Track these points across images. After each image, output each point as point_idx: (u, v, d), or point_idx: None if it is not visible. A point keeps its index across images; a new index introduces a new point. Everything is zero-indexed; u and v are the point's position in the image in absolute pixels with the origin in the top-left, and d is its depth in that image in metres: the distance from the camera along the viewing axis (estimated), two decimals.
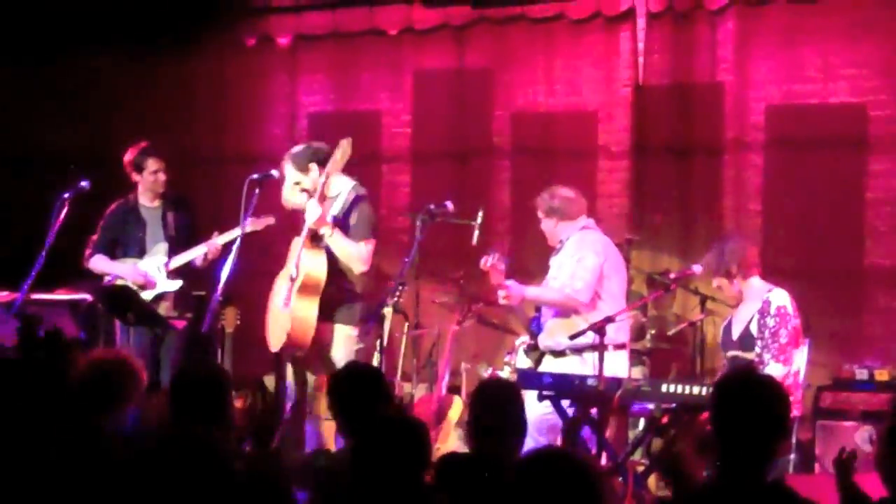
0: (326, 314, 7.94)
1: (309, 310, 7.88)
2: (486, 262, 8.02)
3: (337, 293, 7.99)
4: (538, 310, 8.23)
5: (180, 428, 5.13)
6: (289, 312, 7.90)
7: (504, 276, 8.01)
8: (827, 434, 8.52)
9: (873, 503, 4.98)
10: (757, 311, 7.78)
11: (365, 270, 8.02)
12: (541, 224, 8.22)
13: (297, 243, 7.97)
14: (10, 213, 11.51)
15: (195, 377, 5.60)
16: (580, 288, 7.87)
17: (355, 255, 7.97)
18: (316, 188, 8.00)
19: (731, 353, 7.86)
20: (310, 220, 7.87)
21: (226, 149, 11.76)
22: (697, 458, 6.90)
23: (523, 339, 8.48)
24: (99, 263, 9.11)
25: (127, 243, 9.12)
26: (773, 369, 7.56)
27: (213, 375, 5.65)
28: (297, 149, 8.28)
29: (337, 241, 7.94)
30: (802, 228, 9.84)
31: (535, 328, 8.21)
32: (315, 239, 7.95)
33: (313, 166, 8.09)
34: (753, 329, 7.77)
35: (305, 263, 7.93)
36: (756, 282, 7.90)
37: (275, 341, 8.05)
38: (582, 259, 7.95)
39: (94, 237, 9.17)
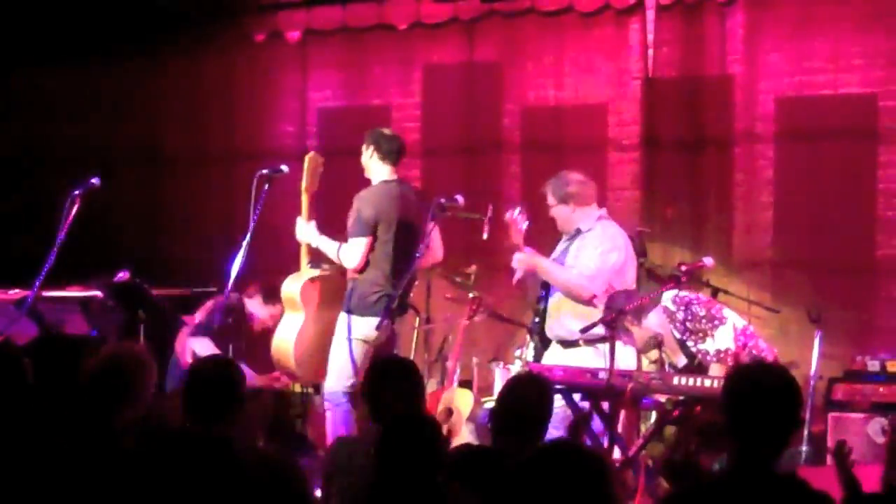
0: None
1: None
2: (511, 214, 7.94)
3: (343, 281, 8.22)
4: (545, 287, 8.10)
5: (194, 424, 5.14)
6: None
7: (522, 238, 7.93)
8: (839, 426, 8.50)
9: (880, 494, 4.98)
10: (669, 323, 7.79)
11: (356, 266, 8.14)
12: (551, 210, 8.07)
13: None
14: (21, 210, 11.53)
15: (209, 373, 5.61)
16: (593, 275, 7.76)
17: (337, 256, 8.24)
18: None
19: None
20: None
21: (236, 145, 11.77)
22: (704, 451, 6.92)
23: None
24: None
25: None
26: (720, 337, 7.61)
27: (227, 371, 5.65)
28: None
29: (322, 247, 8.30)
30: (813, 220, 9.81)
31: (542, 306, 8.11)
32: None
33: None
34: (677, 334, 7.79)
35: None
36: (653, 316, 7.86)
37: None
38: (606, 253, 7.84)
39: None
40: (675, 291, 7.88)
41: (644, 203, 10.24)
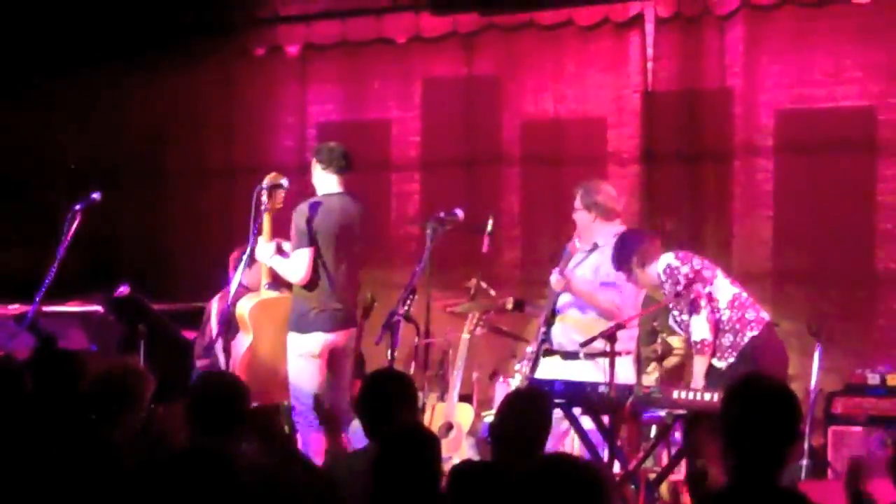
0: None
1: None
2: (572, 245, 7.99)
3: (293, 302, 8.27)
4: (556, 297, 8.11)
5: (198, 437, 5.17)
6: None
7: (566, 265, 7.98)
8: (839, 440, 8.49)
9: None
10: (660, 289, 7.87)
11: (302, 279, 8.14)
12: (574, 213, 8.10)
13: None
14: (21, 225, 11.54)
15: (214, 387, 5.66)
16: (620, 293, 7.84)
17: (283, 271, 8.25)
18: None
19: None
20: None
21: (235, 159, 11.77)
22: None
23: (532, 350, 8.36)
24: None
25: None
26: (696, 324, 7.61)
27: (233, 386, 5.71)
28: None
29: (275, 266, 8.27)
30: (813, 233, 9.81)
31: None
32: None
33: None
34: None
35: None
36: (651, 268, 7.90)
37: None
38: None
39: None
40: (670, 257, 7.89)
41: (643, 216, 10.23)
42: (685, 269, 7.76)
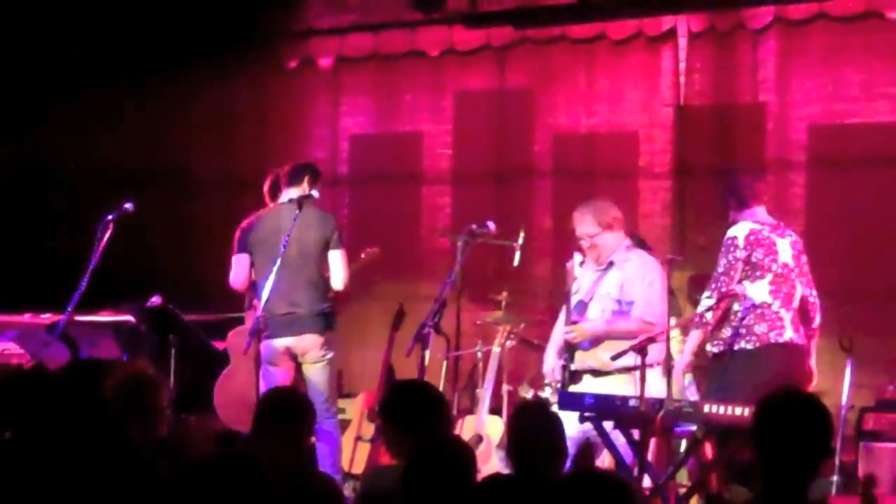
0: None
1: None
2: (570, 263, 7.95)
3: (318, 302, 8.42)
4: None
5: (259, 443, 5.32)
6: None
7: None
8: (870, 456, 8.45)
9: None
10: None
11: (344, 283, 8.39)
12: (595, 239, 7.91)
13: None
14: (53, 234, 11.60)
15: (285, 399, 5.76)
16: (659, 313, 7.73)
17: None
18: None
19: None
20: None
21: (267, 171, 11.76)
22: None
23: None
24: None
25: None
26: (706, 303, 7.53)
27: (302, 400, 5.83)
28: None
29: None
30: (845, 248, 9.77)
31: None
32: None
33: None
34: None
35: None
36: (731, 227, 7.79)
37: None
38: (652, 283, 7.79)
39: None
40: (745, 229, 7.74)
41: (675, 230, 10.23)
42: (739, 254, 7.63)
